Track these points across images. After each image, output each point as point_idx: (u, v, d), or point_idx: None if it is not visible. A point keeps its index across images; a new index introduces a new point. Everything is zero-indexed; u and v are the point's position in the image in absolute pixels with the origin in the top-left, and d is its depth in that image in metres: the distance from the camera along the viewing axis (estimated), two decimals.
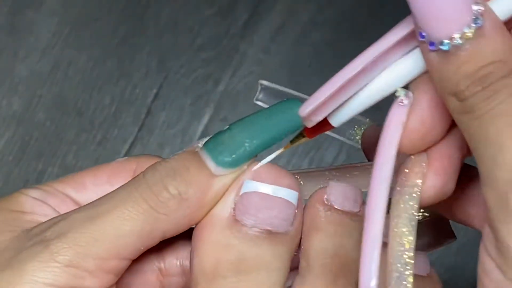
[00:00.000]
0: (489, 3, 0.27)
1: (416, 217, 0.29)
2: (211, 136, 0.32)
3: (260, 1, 0.75)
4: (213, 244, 0.31)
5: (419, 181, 0.29)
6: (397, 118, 0.29)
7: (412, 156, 0.30)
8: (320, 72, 0.73)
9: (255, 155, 0.32)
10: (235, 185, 0.32)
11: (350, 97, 0.30)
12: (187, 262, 0.34)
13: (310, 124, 0.30)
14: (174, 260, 0.34)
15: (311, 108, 0.29)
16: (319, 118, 0.30)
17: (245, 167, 0.32)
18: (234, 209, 0.31)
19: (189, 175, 0.31)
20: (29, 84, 0.75)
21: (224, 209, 0.31)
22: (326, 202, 0.33)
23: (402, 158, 0.30)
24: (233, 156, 0.31)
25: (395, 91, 0.29)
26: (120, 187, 0.31)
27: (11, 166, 0.73)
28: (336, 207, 0.33)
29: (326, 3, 0.75)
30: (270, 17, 0.75)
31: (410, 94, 0.29)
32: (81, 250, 0.30)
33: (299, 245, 0.33)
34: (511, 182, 0.25)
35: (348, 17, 0.75)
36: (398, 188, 0.30)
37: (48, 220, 0.31)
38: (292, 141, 0.32)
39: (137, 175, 0.31)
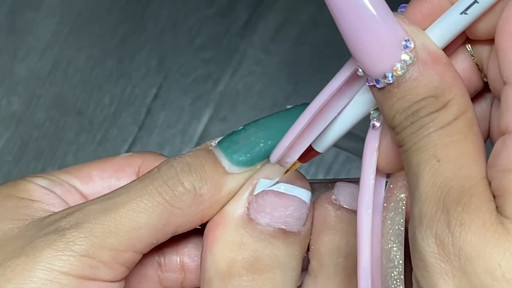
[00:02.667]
0: (426, 31, 0.27)
1: (404, 231, 0.30)
2: (225, 135, 0.32)
3: (260, 1, 0.75)
4: (228, 243, 0.31)
5: (403, 195, 0.30)
6: (371, 143, 0.29)
7: (396, 173, 0.30)
8: (320, 72, 0.73)
9: (268, 155, 0.32)
10: (248, 184, 0.32)
11: (329, 125, 0.30)
12: (187, 259, 0.35)
13: (286, 166, 0.31)
14: (174, 256, 0.34)
15: (279, 155, 0.31)
16: (294, 158, 0.31)
17: (258, 166, 0.32)
18: (248, 207, 0.32)
19: (204, 171, 0.31)
20: (28, 84, 0.74)
21: (238, 207, 0.32)
22: (334, 202, 0.33)
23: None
24: (248, 155, 0.32)
25: (370, 116, 0.30)
26: (135, 180, 0.32)
27: (10, 166, 0.73)
28: (345, 206, 0.33)
29: (326, 3, 0.75)
30: (270, 17, 0.75)
31: (381, 116, 0.29)
32: (97, 240, 0.30)
33: (308, 246, 0.34)
34: (419, 220, 0.26)
35: None
36: (385, 205, 0.30)
37: (61, 211, 0.31)
38: (287, 170, 0.32)
39: (152, 170, 0.32)
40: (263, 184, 0.32)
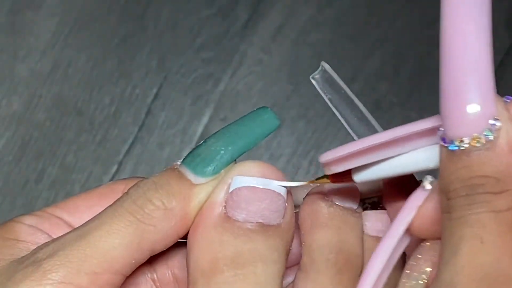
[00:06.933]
0: None
1: None
2: (188, 152, 0.33)
3: (260, 1, 0.75)
4: (208, 242, 0.32)
5: (428, 269, 0.30)
6: (415, 201, 0.30)
7: (427, 243, 0.31)
8: None
9: (232, 161, 0.33)
10: (223, 184, 0.33)
11: (379, 162, 0.31)
12: (178, 270, 0.35)
13: (328, 172, 0.32)
14: (165, 270, 0.35)
15: (329, 158, 0.31)
16: (338, 169, 0.31)
17: (223, 173, 0.33)
18: (225, 206, 0.32)
19: (170, 187, 0.32)
20: (29, 84, 0.75)
21: (215, 207, 0.32)
22: (327, 198, 0.34)
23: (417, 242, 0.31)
24: (211, 164, 0.33)
25: (424, 178, 0.30)
26: (107, 207, 0.32)
27: (11, 166, 0.73)
28: (338, 203, 0.34)
29: (326, 3, 0.75)
30: (270, 17, 0.75)
31: (436, 183, 0.30)
32: (73, 265, 0.30)
33: (300, 242, 0.34)
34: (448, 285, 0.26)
35: (348, 17, 0.75)
36: (407, 271, 0.31)
37: (40, 245, 0.32)
38: (317, 179, 0.33)
39: (122, 195, 0.32)
40: (237, 181, 0.32)
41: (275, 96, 0.74)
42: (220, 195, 0.32)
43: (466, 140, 0.27)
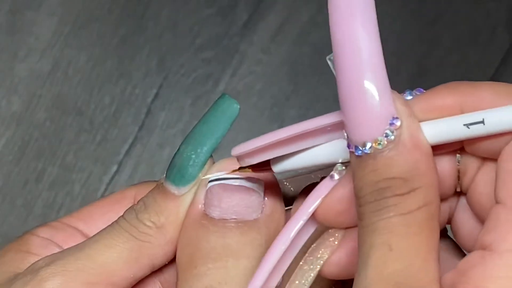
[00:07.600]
0: (422, 124, 0.27)
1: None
2: (168, 164, 0.34)
3: (260, 1, 0.75)
4: (188, 239, 0.33)
5: (325, 255, 0.31)
6: (321, 190, 0.30)
7: (330, 230, 0.31)
8: (320, 72, 0.73)
9: (206, 162, 0.33)
10: (204, 183, 0.33)
11: (296, 153, 0.31)
12: None
13: (242, 164, 0.32)
14: (172, 270, 0.36)
15: (241, 152, 0.31)
16: (252, 161, 0.31)
17: (200, 176, 0.33)
18: (204, 204, 0.33)
19: (157, 205, 0.33)
20: (29, 84, 0.75)
21: (196, 206, 0.33)
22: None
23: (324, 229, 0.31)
24: (186, 172, 0.33)
25: (335, 167, 0.30)
26: (105, 227, 0.33)
27: (11, 166, 0.73)
28: None
29: (326, 3, 0.75)
30: (270, 17, 0.75)
31: (344, 173, 0.30)
32: (70, 275, 0.31)
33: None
34: None
35: None
36: (306, 255, 0.31)
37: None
38: (239, 169, 0.33)
39: (119, 217, 0.34)
40: (212, 179, 0.33)
41: (275, 96, 0.74)
42: (201, 195, 0.33)
43: (368, 143, 0.26)
